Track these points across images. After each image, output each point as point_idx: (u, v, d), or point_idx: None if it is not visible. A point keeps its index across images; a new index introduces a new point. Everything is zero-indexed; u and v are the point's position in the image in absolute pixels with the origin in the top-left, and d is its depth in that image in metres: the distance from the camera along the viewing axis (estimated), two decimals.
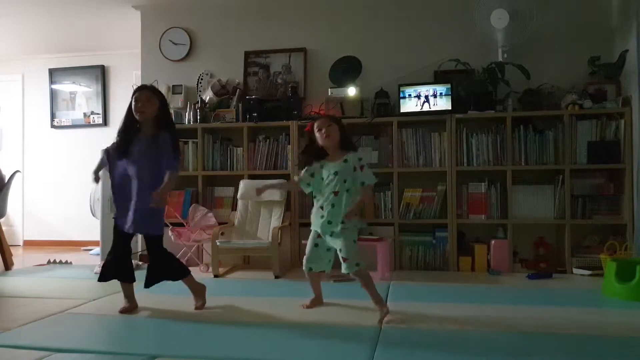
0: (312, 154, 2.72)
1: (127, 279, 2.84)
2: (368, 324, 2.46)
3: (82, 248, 5.76)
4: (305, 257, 2.77)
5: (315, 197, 2.74)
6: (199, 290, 2.91)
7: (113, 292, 3.24)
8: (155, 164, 2.67)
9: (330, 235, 2.63)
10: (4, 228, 4.43)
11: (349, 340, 2.23)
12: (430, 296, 3.13)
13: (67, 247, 5.90)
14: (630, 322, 2.54)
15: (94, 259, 4.82)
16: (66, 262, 4.58)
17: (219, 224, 4.16)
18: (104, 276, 2.85)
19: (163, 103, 2.78)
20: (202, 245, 4.33)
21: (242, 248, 3.93)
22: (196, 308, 2.81)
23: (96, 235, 4.80)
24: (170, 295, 3.12)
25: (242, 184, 4.26)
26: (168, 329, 2.46)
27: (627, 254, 3.55)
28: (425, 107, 4.06)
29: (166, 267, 2.84)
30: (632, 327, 2.44)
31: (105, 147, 2.90)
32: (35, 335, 2.35)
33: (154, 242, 2.80)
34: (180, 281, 2.91)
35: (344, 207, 2.58)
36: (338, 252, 2.62)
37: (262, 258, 4.17)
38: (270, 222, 4.16)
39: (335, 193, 2.61)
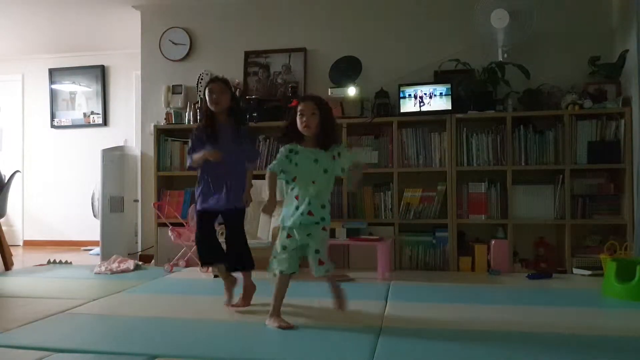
0: (293, 134, 2.47)
1: (221, 261, 2.90)
2: (368, 324, 2.46)
3: (82, 248, 5.76)
4: (273, 260, 2.52)
5: (287, 182, 2.49)
6: (250, 290, 2.88)
7: (113, 292, 3.25)
8: (239, 152, 2.84)
9: (307, 234, 2.43)
10: (4, 228, 4.43)
11: (349, 340, 2.23)
12: (430, 296, 3.13)
13: (67, 247, 5.90)
14: (630, 322, 2.54)
15: (94, 259, 4.82)
16: (66, 262, 4.57)
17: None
18: (205, 263, 2.97)
19: (234, 95, 2.94)
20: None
21: None
22: (235, 305, 2.81)
23: (96, 235, 4.82)
24: (171, 295, 3.12)
25: None
26: (168, 329, 2.46)
27: (627, 254, 3.55)
28: (425, 107, 4.07)
29: (243, 250, 2.89)
30: (632, 327, 2.44)
31: (193, 133, 2.95)
32: (35, 335, 2.35)
33: (241, 218, 2.90)
34: (178, 282, 2.90)
35: (325, 199, 2.45)
36: (313, 252, 2.45)
37: (262, 258, 4.14)
38: (270, 222, 4.15)
39: (314, 182, 2.42)
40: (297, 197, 2.45)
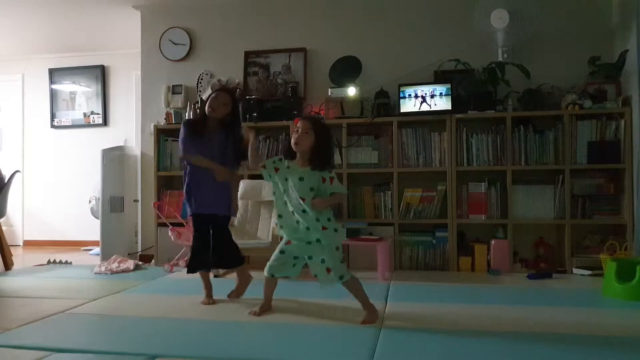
0: (288, 151, 2.55)
1: (208, 268, 3.06)
2: (368, 324, 2.45)
3: (82, 248, 5.76)
4: (268, 263, 2.62)
5: (275, 193, 2.58)
6: (245, 282, 3.06)
7: (113, 292, 3.25)
8: (225, 158, 2.96)
9: (309, 244, 2.49)
10: (4, 228, 4.43)
11: (349, 340, 2.23)
12: (430, 296, 3.13)
13: (67, 247, 5.90)
14: (630, 322, 2.54)
15: (94, 259, 4.82)
16: (66, 262, 4.58)
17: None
18: (193, 269, 3.01)
19: (235, 108, 3.01)
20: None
21: (242, 248, 3.89)
22: (230, 295, 3.02)
23: (96, 235, 4.82)
24: (171, 295, 3.12)
25: (242, 184, 4.26)
26: (168, 329, 2.46)
27: (627, 254, 3.55)
28: (425, 107, 4.07)
29: (231, 250, 3.05)
30: (632, 327, 2.44)
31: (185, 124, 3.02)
32: (35, 335, 2.35)
33: (227, 222, 3.06)
34: (178, 282, 2.92)
35: (315, 214, 2.46)
36: (319, 262, 2.48)
37: (262, 258, 4.15)
38: (270, 222, 4.15)
39: (303, 199, 2.45)
40: (293, 212, 2.51)
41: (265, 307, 2.70)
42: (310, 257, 2.53)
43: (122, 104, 6.08)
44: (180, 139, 2.95)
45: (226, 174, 2.94)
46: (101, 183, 4.71)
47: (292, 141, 2.47)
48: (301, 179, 2.47)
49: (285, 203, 2.53)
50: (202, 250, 2.98)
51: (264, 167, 2.57)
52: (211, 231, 3.00)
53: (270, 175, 2.56)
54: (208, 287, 3.01)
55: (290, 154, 2.53)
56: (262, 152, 4.35)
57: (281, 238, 2.63)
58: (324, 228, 2.46)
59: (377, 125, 4.19)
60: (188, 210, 3.02)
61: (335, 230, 2.51)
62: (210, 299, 2.95)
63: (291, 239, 2.55)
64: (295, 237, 2.53)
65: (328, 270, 2.47)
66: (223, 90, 3.02)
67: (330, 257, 2.47)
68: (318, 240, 2.48)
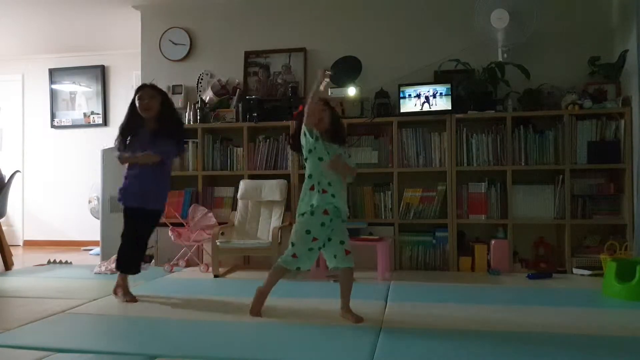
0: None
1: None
2: (368, 324, 2.46)
3: (82, 248, 5.76)
4: (291, 259, 2.52)
5: (311, 176, 2.55)
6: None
7: None
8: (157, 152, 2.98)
9: (332, 229, 2.51)
10: (4, 228, 4.43)
11: (349, 340, 2.23)
12: (430, 296, 3.13)
13: (67, 247, 5.89)
14: (630, 322, 2.54)
15: (94, 259, 4.82)
16: (66, 262, 4.58)
17: (219, 224, 4.16)
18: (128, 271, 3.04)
19: (165, 101, 3.04)
20: (202, 245, 4.32)
21: (242, 248, 3.93)
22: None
23: (96, 235, 4.82)
24: (171, 295, 3.12)
25: (242, 184, 4.26)
26: (168, 329, 2.46)
27: (627, 254, 3.55)
28: (425, 107, 4.07)
29: (140, 250, 3.03)
30: (632, 327, 2.44)
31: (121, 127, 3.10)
32: (35, 335, 2.35)
33: (153, 221, 3.04)
34: (178, 282, 2.92)
35: (343, 186, 2.56)
36: (338, 244, 2.51)
37: (262, 258, 4.17)
38: (270, 222, 4.16)
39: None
40: (324, 191, 2.50)
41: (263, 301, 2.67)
42: (329, 239, 2.53)
43: (122, 104, 6.04)
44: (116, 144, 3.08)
45: (146, 157, 2.93)
46: (101, 183, 4.71)
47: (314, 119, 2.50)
48: (329, 153, 2.51)
49: (318, 182, 2.53)
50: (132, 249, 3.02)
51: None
52: (136, 225, 3.00)
53: (309, 150, 2.53)
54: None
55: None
56: (262, 152, 4.35)
57: (315, 238, 2.50)
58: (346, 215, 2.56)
59: (377, 125, 4.19)
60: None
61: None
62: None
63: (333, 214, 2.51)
64: (334, 214, 2.51)
65: (347, 252, 2.52)
66: (141, 87, 3.04)
67: (348, 240, 2.55)
68: (343, 221, 2.54)
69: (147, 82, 3.19)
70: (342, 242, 2.53)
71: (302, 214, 2.53)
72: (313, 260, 2.58)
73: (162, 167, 3.01)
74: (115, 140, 3.08)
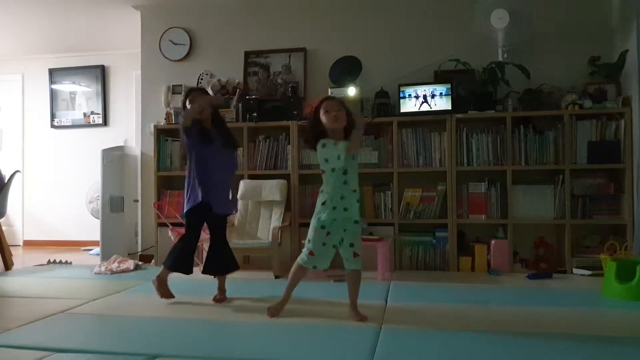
0: (316, 134, 2.58)
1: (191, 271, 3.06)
2: (368, 324, 2.46)
3: (82, 248, 5.76)
4: (307, 257, 2.59)
5: (324, 171, 2.59)
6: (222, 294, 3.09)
7: (113, 292, 3.25)
8: (230, 158, 3.13)
9: (343, 229, 2.55)
10: (4, 228, 4.43)
11: (349, 340, 2.23)
12: (430, 296, 3.13)
13: (67, 247, 5.90)
14: (630, 322, 2.54)
15: (94, 259, 4.82)
16: (66, 262, 4.58)
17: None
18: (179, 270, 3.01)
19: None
20: (202, 245, 4.32)
21: (242, 248, 3.93)
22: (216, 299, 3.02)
23: (96, 235, 4.82)
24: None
25: (242, 184, 4.26)
26: (168, 329, 2.46)
27: (627, 254, 3.55)
28: (425, 107, 4.06)
29: (227, 253, 3.09)
30: (632, 327, 2.44)
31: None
32: (35, 335, 2.35)
33: (225, 223, 3.14)
34: (178, 282, 2.93)
35: (355, 183, 2.57)
36: (348, 246, 2.55)
37: (262, 258, 4.17)
38: (270, 222, 4.16)
39: (345, 171, 2.54)
40: (334, 197, 2.54)
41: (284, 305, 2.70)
42: (341, 241, 2.58)
43: (122, 104, 6.08)
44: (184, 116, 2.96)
45: (210, 100, 3.00)
46: (101, 183, 4.71)
47: (330, 120, 2.52)
48: (339, 157, 2.50)
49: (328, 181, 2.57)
50: (192, 247, 3.03)
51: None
52: (212, 233, 3.03)
53: (326, 160, 2.56)
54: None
55: (319, 136, 2.56)
56: (262, 152, 4.35)
57: (328, 233, 2.56)
58: (359, 220, 2.60)
59: (377, 125, 4.19)
60: (185, 206, 2.99)
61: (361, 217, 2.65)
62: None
63: (328, 224, 2.55)
64: (334, 219, 2.54)
65: (355, 254, 2.56)
66: (193, 90, 3.08)
67: (358, 243, 2.57)
68: (356, 222, 2.57)
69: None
70: (351, 245, 2.57)
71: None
72: (329, 258, 2.64)
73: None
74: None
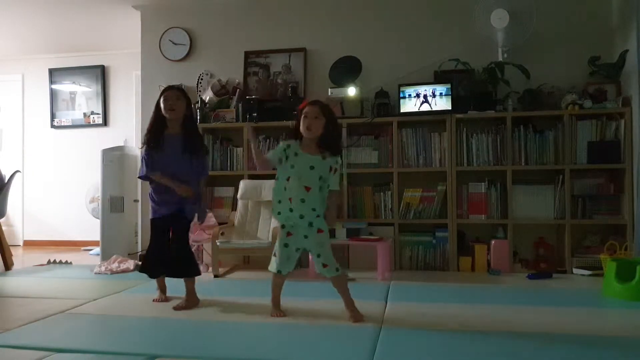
0: (296, 135, 2.53)
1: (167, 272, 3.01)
2: (368, 324, 2.46)
3: (82, 248, 5.76)
4: (274, 260, 2.59)
5: (278, 178, 2.55)
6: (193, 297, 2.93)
7: (113, 292, 3.25)
8: (188, 166, 2.92)
9: (305, 237, 2.53)
10: (4, 228, 4.43)
11: (349, 340, 2.23)
12: (430, 296, 3.13)
13: (67, 247, 5.90)
14: (630, 322, 2.54)
15: (94, 259, 4.82)
16: (66, 262, 4.57)
17: (219, 224, 4.16)
18: (151, 273, 3.02)
19: (189, 103, 2.96)
20: (202, 245, 4.32)
21: (242, 248, 3.93)
22: (176, 307, 2.83)
23: (96, 235, 4.82)
24: (171, 296, 3.12)
25: (242, 184, 4.26)
26: (168, 329, 2.46)
27: (627, 254, 3.55)
28: (425, 107, 4.06)
29: (188, 259, 2.95)
30: (632, 327, 2.44)
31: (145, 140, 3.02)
32: (35, 335, 2.35)
33: (187, 226, 2.96)
34: (175, 281, 2.94)
35: (317, 204, 2.48)
36: (315, 257, 2.54)
37: (262, 258, 4.16)
38: (270, 222, 4.15)
39: (307, 188, 2.45)
40: (290, 199, 2.50)
41: (278, 307, 2.68)
42: (309, 251, 2.59)
43: (122, 104, 6.08)
44: (142, 157, 2.94)
45: (187, 191, 2.85)
46: (101, 183, 4.71)
47: (304, 127, 2.46)
48: (312, 167, 2.47)
49: (285, 189, 2.51)
50: (159, 252, 2.97)
51: (273, 162, 2.54)
52: (172, 235, 2.94)
53: (280, 160, 2.53)
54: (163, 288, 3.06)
55: (298, 138, 2.53)
56: (263, 152, 4.34)
57: (289, 233, 2.56)
58: (322, 234, 2.54)
59: (377, 125, 4.19)
60: (150, 213, 2.99)
61: (322, 226, 2.56)
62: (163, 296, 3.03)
63: (286, 223, 2.55)
64: (290, 224, 2.54)
65: (324, 265, 2.53)
66: (168, 88, 2.95)
67: (324, 252, 2.53)
68: (310, 224, 2.51)
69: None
70: (318, 256, 2.53)
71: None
72: (292, 262, 2.59)
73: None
74: (142, 148, 2.98)
